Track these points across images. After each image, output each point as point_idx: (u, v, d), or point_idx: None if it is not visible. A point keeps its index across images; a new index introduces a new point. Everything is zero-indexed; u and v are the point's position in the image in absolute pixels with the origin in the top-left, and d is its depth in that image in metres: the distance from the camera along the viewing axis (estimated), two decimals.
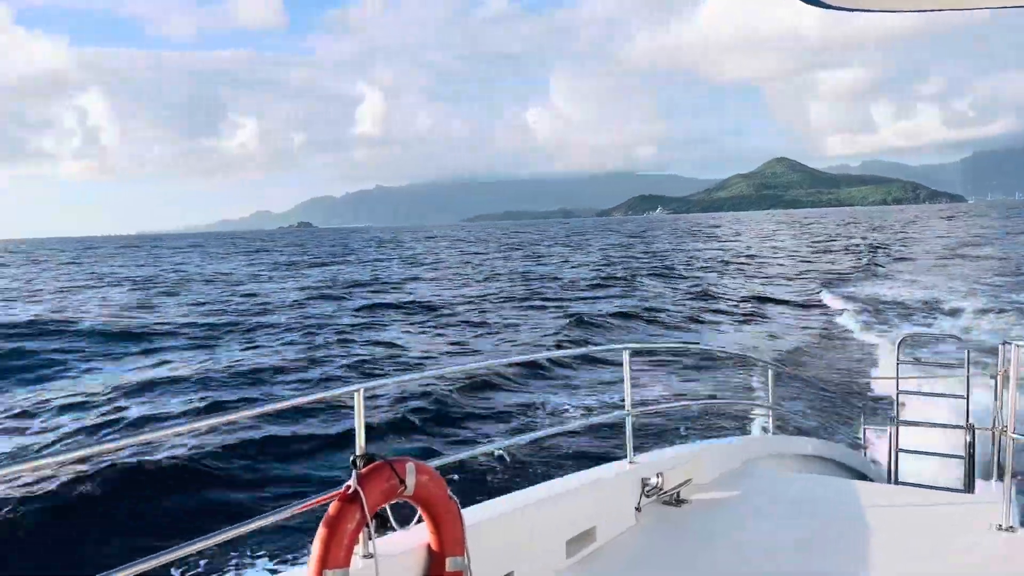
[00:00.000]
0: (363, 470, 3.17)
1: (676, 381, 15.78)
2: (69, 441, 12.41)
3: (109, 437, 10.00)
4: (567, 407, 13.93)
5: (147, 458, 10.80)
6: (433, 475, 3.37)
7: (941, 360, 11.54)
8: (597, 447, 10.97)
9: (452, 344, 21.43)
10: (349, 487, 3.10)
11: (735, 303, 30.93)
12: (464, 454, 4.36)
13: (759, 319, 26.48)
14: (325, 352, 20.23)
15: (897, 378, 8.02)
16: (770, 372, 7.32)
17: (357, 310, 30.38)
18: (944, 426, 7.76)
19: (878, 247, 65.35)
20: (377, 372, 17.58)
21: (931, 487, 6.82)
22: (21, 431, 13.17)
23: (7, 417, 14.05)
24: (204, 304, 34.64)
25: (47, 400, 15.25)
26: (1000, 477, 5.03)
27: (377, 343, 21.65)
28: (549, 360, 16.94)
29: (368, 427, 3.36)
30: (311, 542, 3.05)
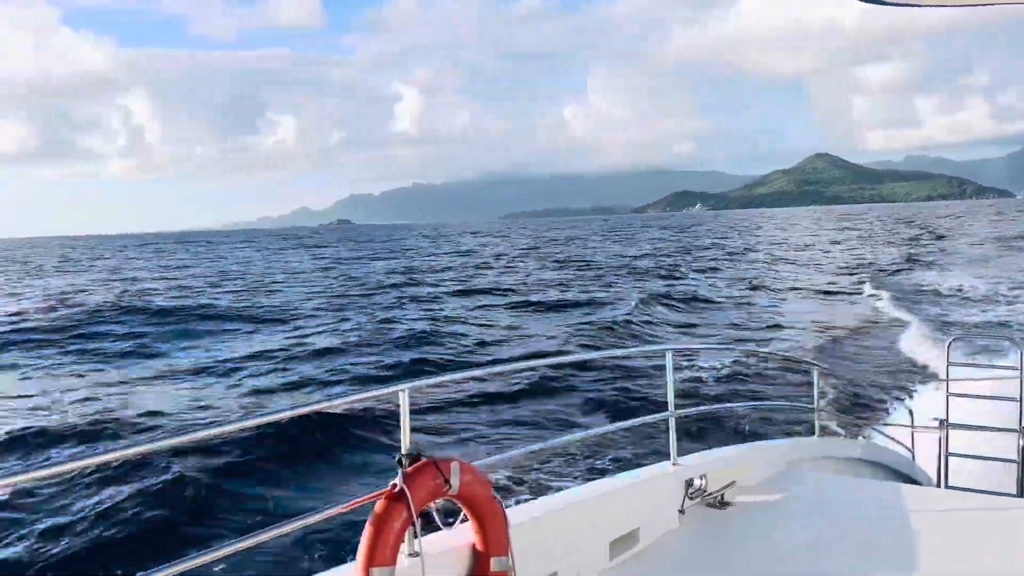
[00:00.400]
0: (409, 469, 3.18)
1: (720, 382, 15.61)
2: (246, 398, 15.57)
3: (159, 436, 10.26)
4: (610, 407, 13.87)
5: (196, 458, 11.05)
6: (477, 475, 3.37)
7: (993, 361, 11.24)
8: (640, 448, 10.91)
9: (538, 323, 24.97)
10: (395, 486, 3.11)
11: (781, 300, 30.56)
12: (508, 454, 4.36)
13: (805, 317, 26.08)
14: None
15: (947, 379, 7.84)
16: (815, 372, 7.19)
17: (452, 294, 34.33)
18: (996, 429, 7.56)
19: (927, 242, 64.00)
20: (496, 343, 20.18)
21: (982, 492, 6.65)
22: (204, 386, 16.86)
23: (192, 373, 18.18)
24: (315, 289, 39.84)
25: (234, 359, 19.87)
26: None
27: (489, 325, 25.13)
28: (593, 360, 16.92)
29: (413, 426, 3.37)
30: (358, 539, 3.07)
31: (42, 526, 8.86)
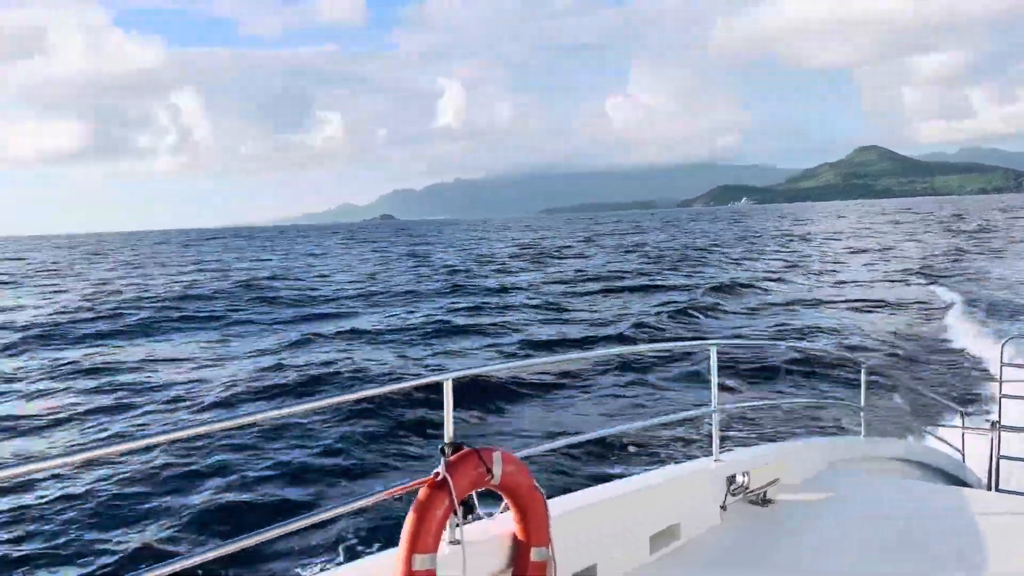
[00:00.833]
0: (451, 458, 3.21)
1: (765, 378, 15.39)
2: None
3: (208, 420, 10.67)
4: (653, 401, 13.80)
5: (243, 441, 11.34)
6: (519, 465, 3.39)
7: None
8: (682, 444, 10.84)
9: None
10: (438, 474, 3.15)
11: (833, 294, 30.01)
12: (549, 445, 4.36)
13: (857, 313, 25.55)
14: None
15: (1000, 380, 7.63)
16: (863, 371, 7.05)
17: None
18: None
19: (983, 236, 62.20)
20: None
21: None
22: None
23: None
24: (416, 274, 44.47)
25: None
26: None
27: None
28: (636, 354, 16.85)
29: (456, 416, 3.40)
30: (400, 526, 3.12)
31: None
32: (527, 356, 18.28)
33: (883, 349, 19.15)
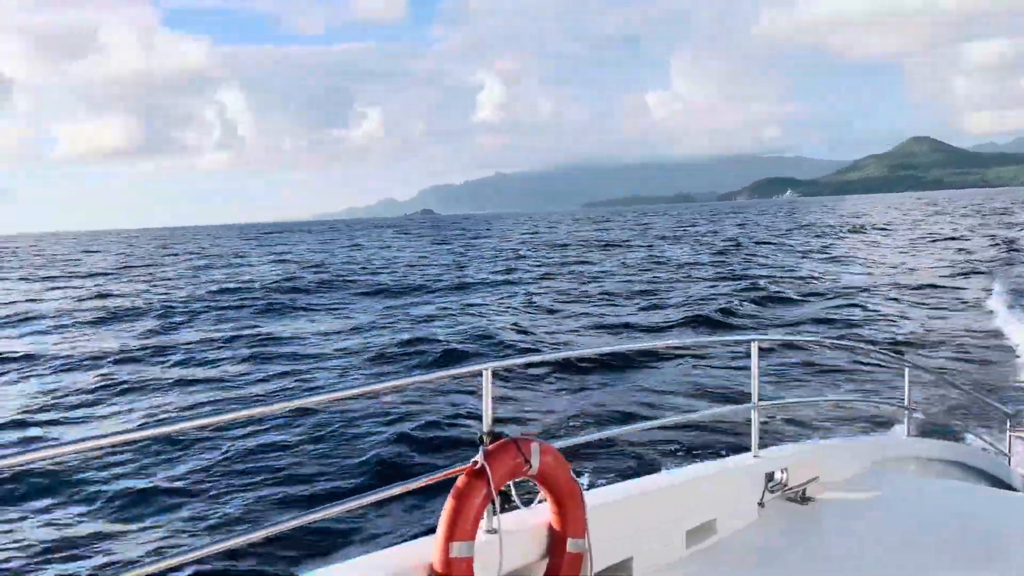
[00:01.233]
0: (490, 447, 3.24)
1: (806, 375, 15.14)
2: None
3: (254, 402, 11.08)
4: (692, 396, 13.69)
5: (287, 425, 11.59)
6: (557, 456, 3.41)
7: None
8: (721, 438, 10.74)
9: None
10: (476, 463, 3.18)
11: (876, 289, 29.36)
12: (586, 437, 4.36)
13: (902, 308, 24.96)
14: None
15: None
16: (907, 369, 6.90)
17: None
18: None
19: None
20: None
21: None
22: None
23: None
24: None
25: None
26: None
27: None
28: (678, 347, 16.73)
29: (495, 406, 3.44)
30: (436, 513, 3.16)
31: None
32: (609, 340, 19.26)
33: (931, 347, 18.70)
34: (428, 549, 3.12)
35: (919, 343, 19.01)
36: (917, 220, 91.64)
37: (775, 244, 57.22)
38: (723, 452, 9.44)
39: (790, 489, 5.03)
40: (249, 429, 11.50)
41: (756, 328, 21.94)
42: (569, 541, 3.42)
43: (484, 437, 3.29)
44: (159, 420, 10.78)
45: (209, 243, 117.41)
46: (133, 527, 8.56)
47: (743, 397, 5.09)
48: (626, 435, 10.34)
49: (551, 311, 25.89)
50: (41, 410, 14.35)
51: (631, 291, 30.73)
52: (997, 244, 48.46)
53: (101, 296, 36.40)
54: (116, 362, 18.91)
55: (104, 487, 9.69)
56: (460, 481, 3.18)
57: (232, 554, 6.82)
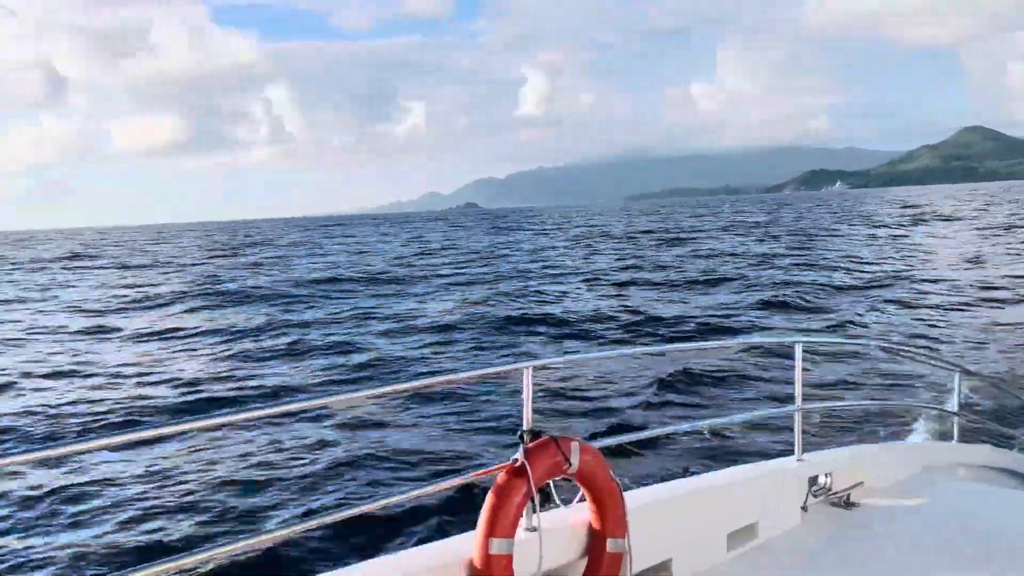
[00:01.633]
0: (530, 445, 3.26)
1: (852, 377, 14.75)
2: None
3: (287, 400, 11.30)
4: (735, 397, 13.48)
5: (331, 422, 11.77)
6: (596, 455, 3.41)
7: None
8: (763, 441, 10.57)
9: None
10: (516, 460, 3.20)
11: (927, 289, 28.48)
12: (628, 437, 4.35)
13: (949, 312, 24.14)
14: None
15: None
16: (957, 373, 6.71)
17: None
18: None
19: None
20: None
21: None
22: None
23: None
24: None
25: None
26: None
27: None
28: (721, 348, 16.50)
29: (535, 404, 3.45)
30: (475, 510, 3.19)
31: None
32: (673, 341, 19.30)
33: (982, 351, 18.10)
34: (468, 545, 3.14)
35: (971, 347, 18.36)
36: (973, 212, 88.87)
37: (844, 236, 57.89)
38: (766, 455, 9.30)
39: (834, 494, 4.95)
40: (292, 423, 11.71)
41: (807, 322, 21.57)
42: (609, 541, 3.42)
43: (524, 435, 3.31)
44: (183, 417, 11.16)
45: (273, 235, 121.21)
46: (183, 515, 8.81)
47: (787, 399, 5.01)
48: (667, 436, 10.23)
49: (653, 295, 28.41)
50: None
51: (713, 278, 32.58)
52: None
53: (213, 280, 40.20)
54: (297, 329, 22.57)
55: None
56: (500, 478, 3.20)
57: (271, 547, 6.97)
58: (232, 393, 14.92)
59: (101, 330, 24.38)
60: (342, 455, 10.54)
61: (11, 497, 9.34)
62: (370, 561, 3.14)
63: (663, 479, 4.34)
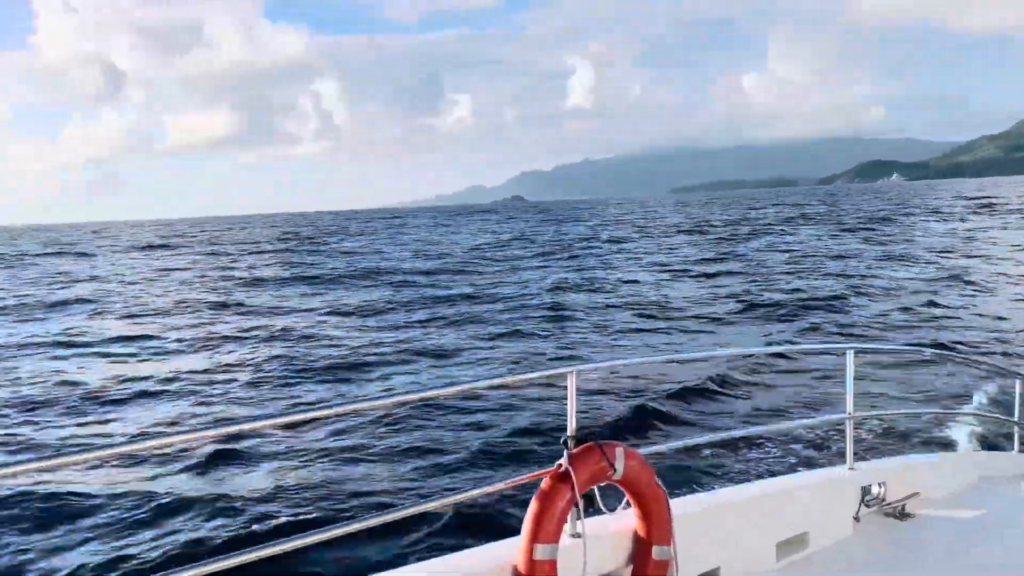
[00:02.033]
0: (574, 451, 3.24)
1: (904, 385, 14.25)
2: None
3: (322, 404, 11.45)
4: (785, 405, 13.16)
5: (373, 426, 11.85)
6: (642, 462, 3.37)
7: None
8: (814, 450, 10.29)
9: None
10: (561, 466, 3.18)
11: (991, 294, 27.28)
12: (673, 443, 4.30)
13: (1011, 316, 23.08)
14: None
15: None
16: (1019, 382, 6.47)
17: None
18: None
19: None
20: None
21: None
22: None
23: None
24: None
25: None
26: None
27: None
28: (770, 354, 16.18)
29: (580, 409, 3.42)
30: (519, 515, 3.18)
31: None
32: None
33: None
34: (512, 551, 3.14)
35: None
36: None
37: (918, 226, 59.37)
38: (817, 464, 9.05)
39: (888, 504, 4.82)
40: (337, 423, 11.80)
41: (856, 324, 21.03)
42: (654, 548, 3.39)
43: (569, 440, 3.29)
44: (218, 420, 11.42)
45: (334, 226, 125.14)
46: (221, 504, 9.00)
47: (838, 407, 4.88)
48: (715, 443, 10.01)
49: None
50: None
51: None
52: None
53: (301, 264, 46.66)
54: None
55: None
56: (544, 484, 3.19)
57: (311, 550, 6.99)
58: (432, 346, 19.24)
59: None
60: (386, 458, 10.60)
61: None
62: (415, 565, 3.16)
63: (710, 487, 4.26)
